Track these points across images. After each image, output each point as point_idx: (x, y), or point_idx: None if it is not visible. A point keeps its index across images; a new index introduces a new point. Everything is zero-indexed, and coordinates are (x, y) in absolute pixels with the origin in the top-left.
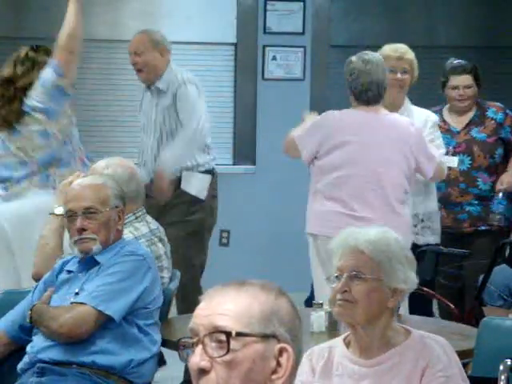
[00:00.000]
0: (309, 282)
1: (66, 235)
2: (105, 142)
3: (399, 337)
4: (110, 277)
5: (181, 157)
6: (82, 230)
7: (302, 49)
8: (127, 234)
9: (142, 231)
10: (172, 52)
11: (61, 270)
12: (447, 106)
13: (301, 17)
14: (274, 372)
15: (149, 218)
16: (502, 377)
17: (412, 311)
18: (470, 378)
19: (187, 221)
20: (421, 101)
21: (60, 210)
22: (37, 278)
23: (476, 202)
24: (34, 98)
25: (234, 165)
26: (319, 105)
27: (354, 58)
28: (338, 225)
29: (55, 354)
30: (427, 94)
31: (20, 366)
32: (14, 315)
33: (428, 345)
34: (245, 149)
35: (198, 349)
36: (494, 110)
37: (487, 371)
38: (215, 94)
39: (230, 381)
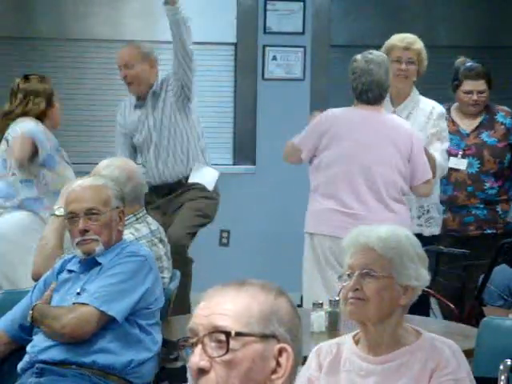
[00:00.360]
0: None
1: (67, 235)
2: (105, 141)
3: (409, 337)
4: (112, 278)
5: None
6: (84, 231)
7: (302, 49)
8: (128, 235)
9: (142, 232)
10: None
11: (61, 270)
12: (455, 105)
13: (301, 17)
14: (274, 372)
15: (149, 220)
16: (502, 377)
17: (410, 311)
18: None
19: (197, 199)
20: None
21: (61, 211)
22: (36, 278)
23: (482, 206)
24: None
25: (234, 165)
26: (319, 105)
27: (358, 57)
28: (333, 223)
29: (55, 353)
30: (427, 94)
31: (20, 365)
32: (13, 315)
33: (438, 347)
34: (245, 149)
35: (198, 349)
36: (503, 115)
37: (487, 371)
38: (215, 94)
39: (229, 381)
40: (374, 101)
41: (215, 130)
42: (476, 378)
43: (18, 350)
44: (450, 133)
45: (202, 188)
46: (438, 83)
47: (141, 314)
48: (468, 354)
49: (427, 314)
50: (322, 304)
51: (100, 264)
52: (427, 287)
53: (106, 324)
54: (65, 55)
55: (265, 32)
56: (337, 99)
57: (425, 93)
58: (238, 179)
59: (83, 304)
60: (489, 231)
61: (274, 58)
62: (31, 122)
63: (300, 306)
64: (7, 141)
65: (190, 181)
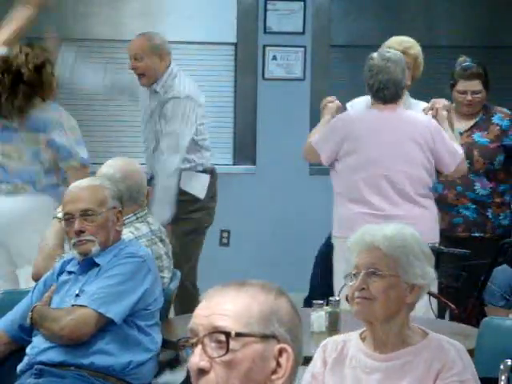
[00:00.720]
0: (308, 283)
1: None
2: (105, 141)
3: (416, 337)
4: (110, 279)
5: (167, 199)
6: (80, 232)
7: (302, 49)
8: (127, 234)
9: (142, 231)
10: (172, 52)
11: (61, 271)
12: (452, 105)
13: (301, 17)
14: (274, 372)
15: (150, 220)
16: (503, 377)
17: None
18: None
19: (186, 219)
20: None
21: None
22: (36, 278)
23: (473, 207)
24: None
25: (234, 165)
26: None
27: (374, 55)
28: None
29: (54, 355)
30: (427, 93)
31: (19, 367)
32: (14, 315)
33: (444, 348)
34: (245, 149)
35: (198, 349)
36: (501, 116)
37: (487, 371)
38: (215, 94)
39: (229, 381)
40: (390, 99)
41: (215, 130)
42: None
43: (18, 351)
44: None
45: (193, 199)
46: (438, 83)
47: (140, 315)
48: (468, 353)
49: None
50: (322, 304)
51: (98, 265)
52: None
53: (105, 326)
54: None
55: (265, 32)
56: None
57: (424, 93)
58: (238, 179)
59: (81, 306)
60: (476, 234)
61: (274, 58)
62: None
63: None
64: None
65: (181, 187)
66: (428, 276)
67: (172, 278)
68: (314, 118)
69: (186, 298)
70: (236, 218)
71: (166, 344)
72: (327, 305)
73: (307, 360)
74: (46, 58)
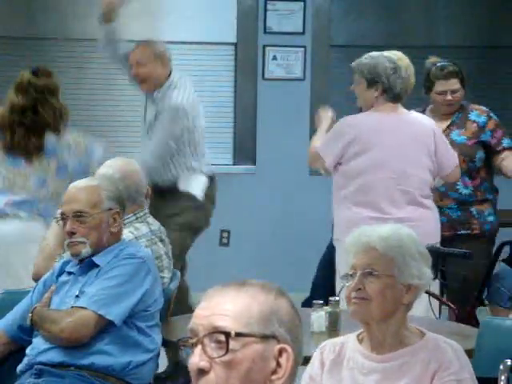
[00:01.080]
0: (309, 283)
1: None
2: (105, 141)
3: (413, 337)
4: (110, 280)
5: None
6: (71, 233)
7: (302, 49)
8: (127, 234)
9: (142, 231)
10: (172, 52)
11: (61, 271)
12: (430, 106)
13: (301, 17)
14: (274, 372)
15: (150, 220)
16: (502, 377)
17: None
18: None
19: (179, 213)
20: (421, 100)
21: None
22: (36, 278)
23: (455, 207)
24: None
25: (233, 165)
26: (319, 105)
27: (383, 59)
28: None
29: (54, 356)
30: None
31: (19, 368)
32: (13, 315)
33: (441, 348)
34: (245, 149)
35: (198, 349)
36: (477, 113)
37: (487, 371)
38: (215, 94)
39: (229, 381)
40: (400, 99)
41: (215, 130)
42: (476, 378)
43: (18, 352)
44: None
45: (190, 198)
46: None
47: (140, 316)
48: (468, 354)
49: None
50: (322, 304)
51: (98, 266)
52: None
53: (104, 327)
54: (65, 55)
55: (265, 32)
56: (337, 99)
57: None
58: (238, 179)
59: (81, 308)
60: (462, 232)
61: (274, 58)
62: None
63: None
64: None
65: (180, 188)
66: (425, 276)
67: (172, 278)
68: (314, 118)
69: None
70: (236, 218)
71: (166, 344)
72: (327, 305)
73: (307, 360)
74: (53, 89)
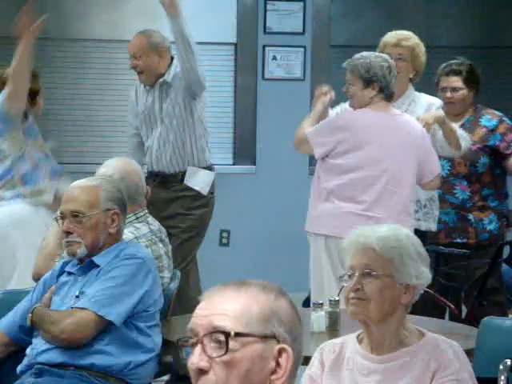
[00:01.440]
0: (309, 283)
1: None
2: (105, 141)
3: (412, 337)
4: (110, 281)
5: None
6: (68, 232)
7: (302, 49)
8: (127, 233)
9: (142, 231)
10: (172, 52)
11: (61, 272)
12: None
13: (301, 17)
14: (274, 372)
15: (150, 220)
16: (502, 377)
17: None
18: None
19: (188, 214)
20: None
21: None
22: (36, 278)
23: (453, 212)
24: None
25: (233, 165)
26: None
27: (385, 56)
28: (355, 226)
29: (54, 356)
30: (426, 93)
31: (19, 368)
32: (13, 315)
33: (441, 347)
34: (245, 149)
35: (197, 349)
36: (489, 118)
37: (487, 371)
38: (215, 94)
39: (228, 381)
40: (392, 97)
41: (215, 130)
42: (476, 378)
43: (18, 352)
44: None
45: (196, 195)
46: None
47: (140, 316)
48: (468, 354)
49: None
50: (322, 304)
51: (98, 266)
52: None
53: (104, 327)
54: (65, 55)
55: (265, 32)
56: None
57: (424, 92)
58: (238, 179)
59: (81, 308)
60: (458, 240)
61: (274, 58)
62: None
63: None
64: None
65: (185, 183)
66: (423, 276)
67: (172, 278)
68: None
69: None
70: (236, 218)
71: (166, 344)
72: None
73: (307, 360)
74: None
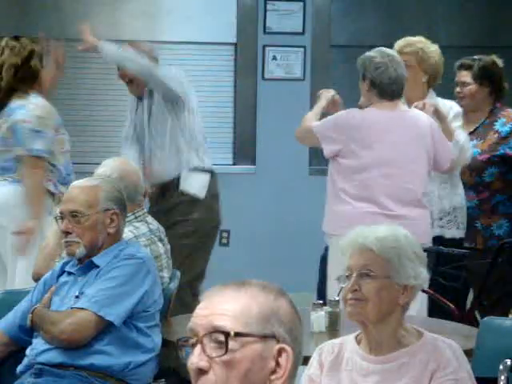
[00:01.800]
0: (309, 283)
1: None
2: (105, 141)
3: (411, 337)
4: (109, 281)
5: (132, 61)
6: (66, 232)
7: (302, 49)
8: (127, 233)
9: (141, 230)
10: (172, 52)
11: (61, 272)
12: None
13: (301, 17)
14: (273, 372)
15: (149, 219)
16: (502, 377)
17: None
18: None
19: (186, 220)
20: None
21: None
22: (36, 278)
23: None
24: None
25: (233, 165)
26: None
27: (373, 54)
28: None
29: (53, 356)
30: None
31: (19, 368)
32: (13, 316)
33: (439, 347)
34: (245, 149)
35: (197, 349)
36: (504, 121)
37: (487, 371)
38: (215, 94)
39: (228, 381)
40: (397, 95)
41: (215, 130)
42: (476, 378)
43: (18, 352)
44: None
45: (193, 199)
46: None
47: (139, 316)
48: (468, 354)
49: None
50: (321, 304)
51: (98, 266)
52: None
53: (104, 328)
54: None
55: (265, 32)
56: None
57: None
58: (238, 179)
59: (81, 309)
60: (466, 245)
61: (274, 58)
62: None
63: None
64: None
65: (180, 187)
66: (420, 277)
67: (171, 278)
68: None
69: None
70: (236, 217)
71: (166, 344)
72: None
73: (307, 360)
74: (32, 49)
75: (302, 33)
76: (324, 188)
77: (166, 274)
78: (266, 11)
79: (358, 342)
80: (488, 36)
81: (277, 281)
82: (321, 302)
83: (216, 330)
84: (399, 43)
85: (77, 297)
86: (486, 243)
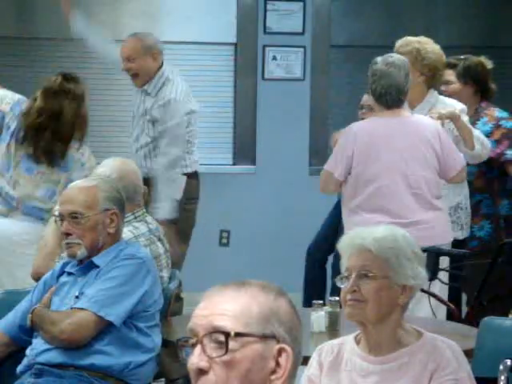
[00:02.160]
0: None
1: None
2: (105, 141)
3: (410, 337)
4: (109, 281)
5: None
6: (67, 234)
7: (302, 49)
8: (127, 233)
9: (141, 230)
10: (172, 52)
11: (61, 272)
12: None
13: (301, 17)
14: (273, 372)
15: (149, 219)
16: (502, 377)
17: None
18: None
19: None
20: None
21: None
22: (36, 278)
23: None
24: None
25: (233, 165)
26: (319, 105)
27: (379, 59)
28: None
29: (53, 356)
30: None
31: (19, 368)
32: (13, 316)
33: (439, 347)
34: (245, 149)
35: (197, 349)
36: (485, 120)
37: (487, 371)
38: (215, 94)
39: (228, 381)
40: (393, 105)
41: (215, 130)
42: (476, 378)
43: (18, 352)
44: None
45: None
46: None
47: (139, 316)
48: (468, 354)
49: None
50: (321, 304)
51: (98, 266)
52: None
53: (104, 328)
54: (65, 55)
55: (265, 32)
56: (337, 99)
57: None
58: (238, 179)
59: (81, 309)
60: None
61: (274, 58)
62: None
63: None
64: None
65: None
66: (419, 277)
67: (171, 278)
68: (314, 118)
69: None
70: (236, 218)
71: (166, 344)
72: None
73: (307, 360)
74: (82, 95)
75: (302, 33)
76: None
77: (165, 274)
78: (265, 11)
79: (358, 343)
80: (488, 36)
81: (277, 281)
82: (320, 301)
83: (216, 330)
84: (397, 42)
85: (77, 297)
86: (467, 245)
